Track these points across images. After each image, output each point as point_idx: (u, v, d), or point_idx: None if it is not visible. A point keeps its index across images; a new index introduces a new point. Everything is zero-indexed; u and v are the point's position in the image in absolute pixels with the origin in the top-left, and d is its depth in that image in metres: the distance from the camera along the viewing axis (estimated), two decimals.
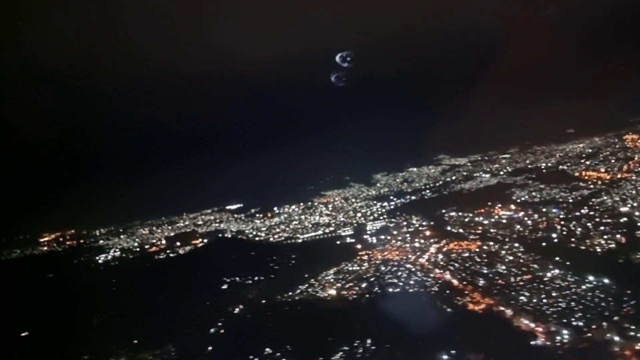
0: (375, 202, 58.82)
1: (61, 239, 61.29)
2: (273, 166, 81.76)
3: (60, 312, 33.78)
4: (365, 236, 45.80)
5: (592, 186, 46.68)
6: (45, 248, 56.73)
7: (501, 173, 58.53)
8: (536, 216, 42.10)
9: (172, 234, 56.54)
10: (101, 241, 56.63)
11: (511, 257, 34.20)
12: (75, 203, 74.84)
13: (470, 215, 45.68)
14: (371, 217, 52.70)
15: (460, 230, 42.64)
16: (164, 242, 53.37)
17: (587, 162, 54.91)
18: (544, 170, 55.88)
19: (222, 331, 28.50)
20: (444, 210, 48.40)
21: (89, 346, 28.53)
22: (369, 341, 23.60)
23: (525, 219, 41.95)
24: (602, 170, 50.90)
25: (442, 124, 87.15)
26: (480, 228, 42.41)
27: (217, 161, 79.37)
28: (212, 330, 28.68)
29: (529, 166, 60.40)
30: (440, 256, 36.72)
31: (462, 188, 56.43)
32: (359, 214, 54.73)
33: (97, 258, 49.09)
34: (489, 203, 46.84)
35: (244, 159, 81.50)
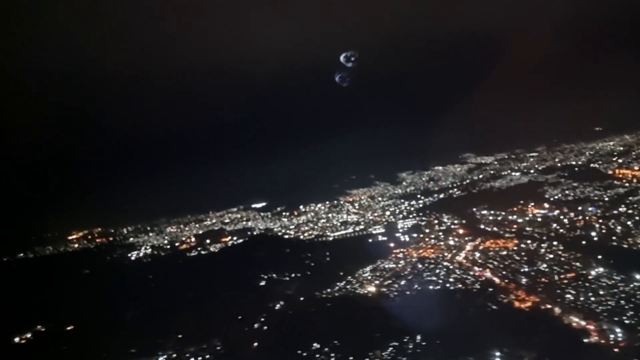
0: (402, 200, 58.82)
1: (90, 237, 62.43)
2: (296, 165, 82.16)
3: (101, 307, 34.45)
4: (397, 234, 45.89)
5: (627, 184, 46.14)
6: (77, 245, 57.85)
7: (531, 171, 58.06)
8: (572, 214, 41.71)
9: (200, 232, 57.29)
10: (131, 239, 57.61)
11: (551, 256, 34.02)
12: (99, 201, 76.06)
13: (503, 213, 45.45)
14: (400, 216, 52.72)
15: (495, 229, 42.48)
16: (193, 239, 54.09)
17: (620, 160, 54.29)
18: (576, 169, 55.34)
19: (265, 327, 28.88)
20: (475, 209, 48.24)
21: (134, 340, 29.12)
22: (418, 337, 23.74)
23: (561, 217, 41.61)
24: (636, 168, 50.26)
25: (466, 122, 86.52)
26: (515, 226, 42.21)
27: (240, 160, 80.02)
28: (255, 325, 29.10)
29: (559, 164, 59.85)
30: (478, 254, 36.65)
31: (492, 186, 56.14)
32: (387, 212, 54.80)
33: (129, 255, 49.99)
34: (522, 201, 46.54)
35: (266, 157, 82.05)
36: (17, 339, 31.77)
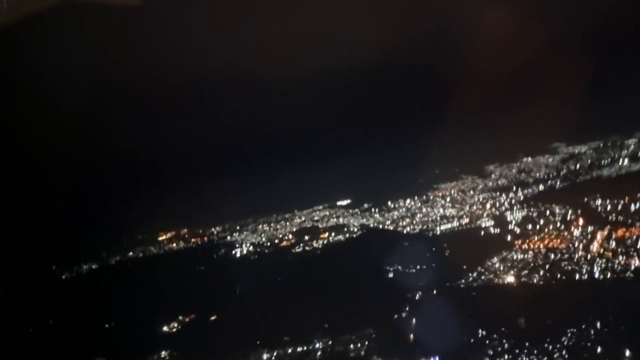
0: (498, 193, 58.23)
1: (180, 237, 65.57)
2: (374, 161, 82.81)
3: (234, 299, 36.79)
4: (509, 226, 45.78)
5: None
6: (174, 245, 60.97)
7: None
8: None
9: (294, 229, 59.04)
10: (228, 237, 60.14)
11: None
12: (177, 203, 79.21)
13: (623, 201, 44.35)
14: (503, 208, 52.37)
15: (620, 217, 41.60)
16: (291, 237, 55.89)
17: None
18: None
19: (415, 317, 29.85)
20: (586, 199, 47.30)
21: (283, 329, 30.83)
22: (598, 324, 23.98)
23: None
24: None
25: (549, 110, 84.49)
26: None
27: (318, 158, 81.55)
28: (403, 314, 30.13)
29: None
30: (614, 243, 36.20)
31: (599, 175, 54.90)
32: (487, 205, 54.57)
33: (233, 252, 52.37)
34: None
35: (345, 155, 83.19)
36: (165, 328, 34.36)
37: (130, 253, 55.43)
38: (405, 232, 49.90)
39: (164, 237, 67.23)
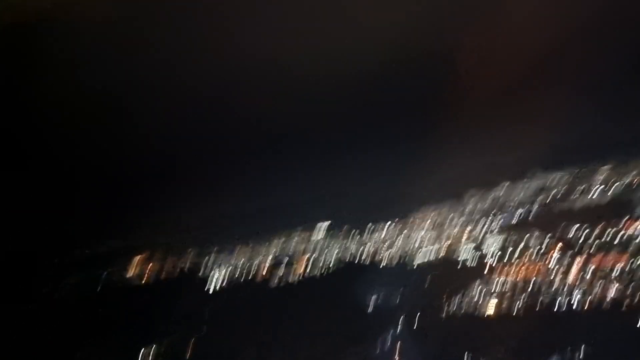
0: (477, 218, 58.71)
1: (154, 259, 63.54)
2: (349, 182, 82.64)
3: (211, 327, 36.24)
4: (489, 252, 46.15)
5: None
6: (152, 266, 58.93)
7: (614, 185, 58.24)
8: None
9: (274, 250, 58.10)
10: (204, 261, 58.56)
11: None
12: (142, 223, 77.14)
13: (598, 229, 45.43)
14: (483, 234, 52.78)
15: (597, 245, 42.57)
16: (270, 259, 55.02)
17: None
18: None
19: (400, 343, 30.02)
20: (563, 225, 48.25)
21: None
22: (576, 352, 24.62)
23: None
24: None
25: (525, 137, 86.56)
26: (615, 241, 42.42)
27: (294, 178, 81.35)
28: (389, 338, 30.32)
29: (637, 179, 59.64)
30: (592, 271, 37.13)
31: (574, 202, 56.18)
32: (466, 231, 55.21)
33: (213, 275, 51.07)
34: (616, 217, 46.43)
35: (317, 173, 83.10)
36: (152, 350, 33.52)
37: (99, 270, 53.34)
38: (387, 255, 49.88)
39: (136, 258, 65.11)
